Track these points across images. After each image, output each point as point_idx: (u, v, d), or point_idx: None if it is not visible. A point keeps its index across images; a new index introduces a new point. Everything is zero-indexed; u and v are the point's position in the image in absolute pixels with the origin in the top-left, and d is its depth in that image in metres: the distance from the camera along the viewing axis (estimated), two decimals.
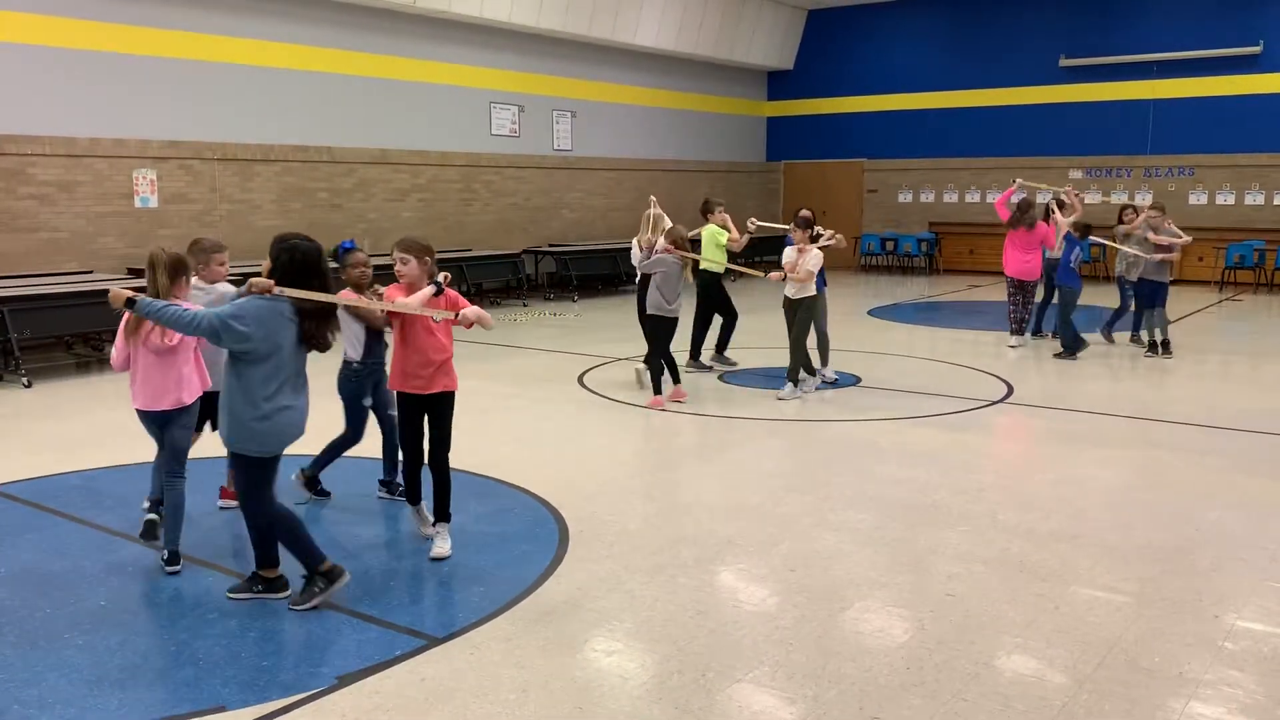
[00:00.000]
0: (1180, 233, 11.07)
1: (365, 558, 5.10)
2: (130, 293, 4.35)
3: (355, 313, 5.50)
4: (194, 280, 5.19)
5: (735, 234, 9.91)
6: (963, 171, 20.83)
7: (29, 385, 9.46)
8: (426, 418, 5.13)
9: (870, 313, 14.81)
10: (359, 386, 5.77)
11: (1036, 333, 12.03)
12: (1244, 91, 17.88)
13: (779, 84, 22.77)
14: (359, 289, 5.59)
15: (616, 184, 19.21)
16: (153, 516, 5.21)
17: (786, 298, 8.72)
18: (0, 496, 6.14)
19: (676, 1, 18.69)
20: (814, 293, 8.66)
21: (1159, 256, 10.78)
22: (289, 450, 4.55)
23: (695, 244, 9.27)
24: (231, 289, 5.33)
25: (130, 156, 12.24)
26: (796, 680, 3.84)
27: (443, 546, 5.10)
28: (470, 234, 16.36)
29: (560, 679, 3.84)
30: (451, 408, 5.16)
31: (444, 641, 4.15)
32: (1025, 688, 3.78)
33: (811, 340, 8.97)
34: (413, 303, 4.95)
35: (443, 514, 5.16)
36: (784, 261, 8.66)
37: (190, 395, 4.95)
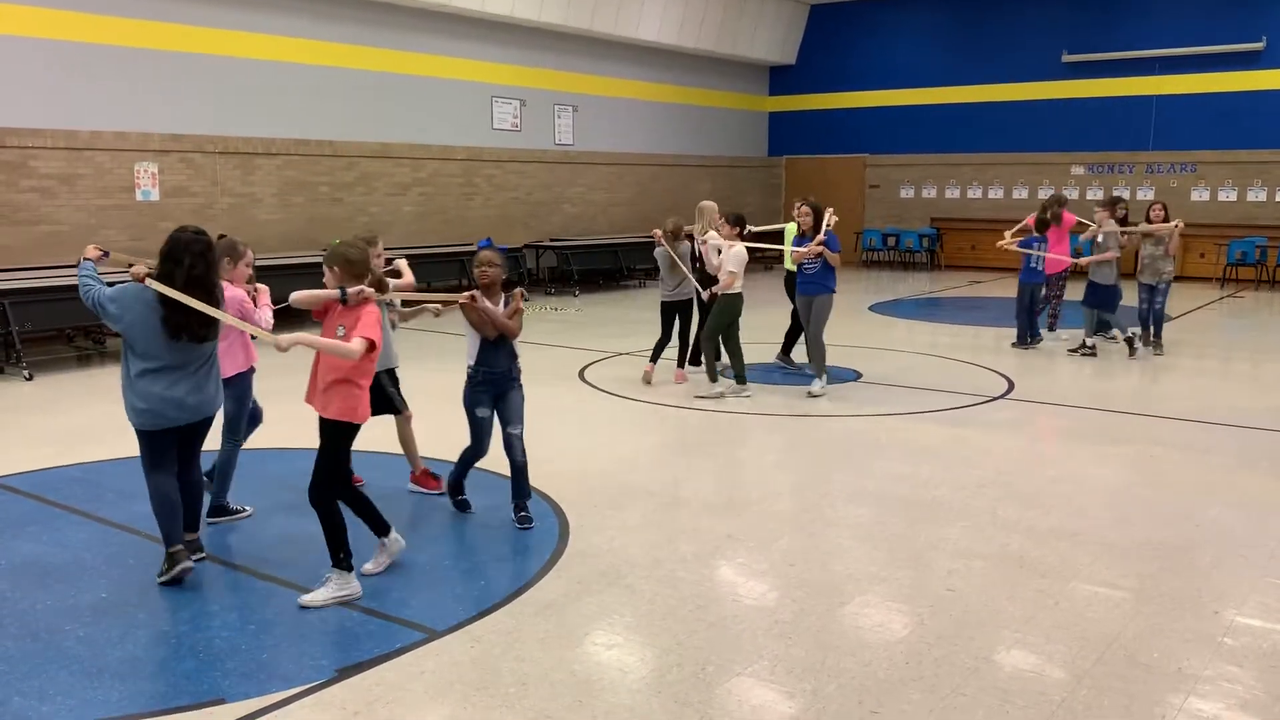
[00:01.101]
0: (1119, 229, 10.72)
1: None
2: (95, 252, 4.79)
3: (466, 318, 5.28)
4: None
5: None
6: (965, 167, 20.81)
7: (30, 378, 9.47)
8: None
9: (871, 308, 14.81)
10: (471, 395, 5.44)
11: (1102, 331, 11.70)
12: (1246, 88, 17.85)
13: (781, 79, 22.74)
14: (486, 289, 5.30)
15: (618, 179, 19.19)
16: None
17: (712, 294, 8.54)
18: (1, 489, 6.15)
19: None
20: (737, 291, 8.43)
21: (1097, 258, 10.61)
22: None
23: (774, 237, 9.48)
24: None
25: (131, 150, 12.24)
26: (796, 674, 3.84)
27: (314, 595, 4.45)
28: (471, 228, 16.34)
29: (560, 672, 3.85)
30: (336, 441, 4.55)
31: (444, 634, 4.16)
32: (1024, 683, 3.78)
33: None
34: (309, 297, 4.64)
35: (332, 555, 4.55)
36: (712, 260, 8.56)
37: (229, 369, 5.31)
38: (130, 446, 6.83)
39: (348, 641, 4.12)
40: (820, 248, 8.49)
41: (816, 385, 8.74)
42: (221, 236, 5.62)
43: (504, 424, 5.45)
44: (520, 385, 5.48)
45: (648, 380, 9.15)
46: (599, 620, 4.32)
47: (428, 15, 15.31)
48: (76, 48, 11.63)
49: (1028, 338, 11.10)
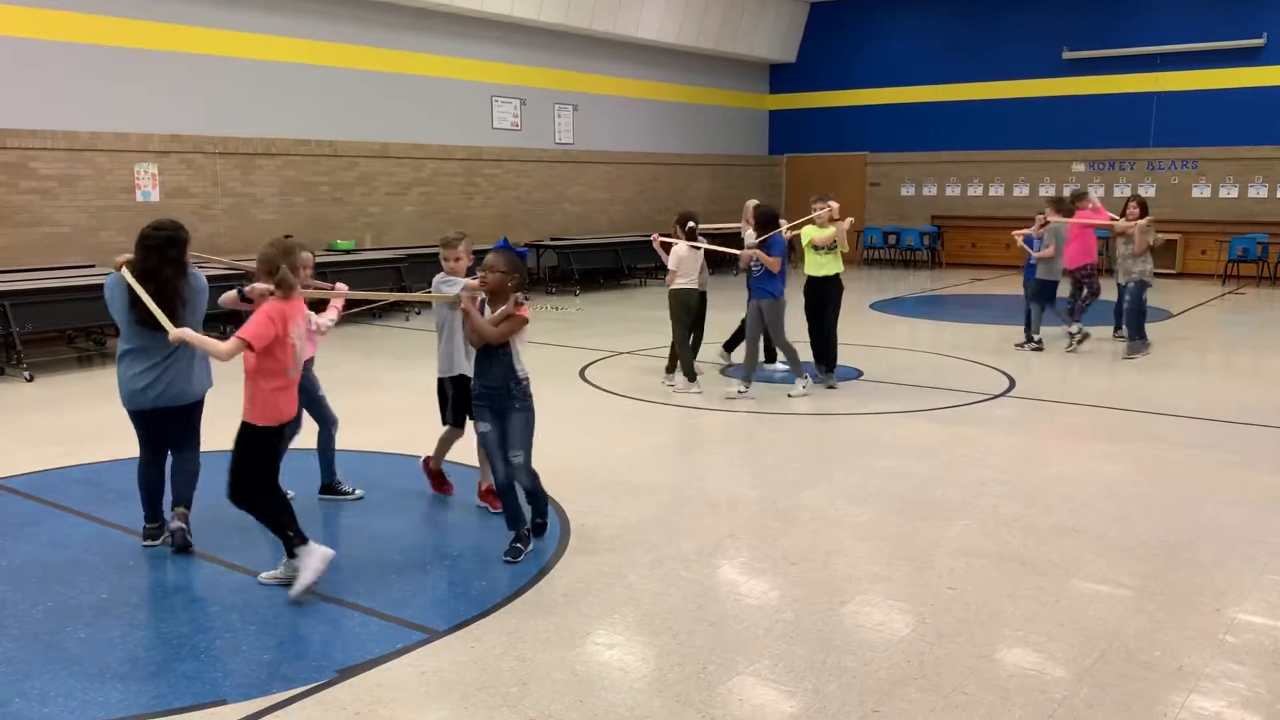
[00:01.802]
0: (1062, 219, 10.80)
1: (366, 551, 5.11)
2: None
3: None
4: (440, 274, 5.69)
5: (832, 233, 8.88)
6: (965, 165, 20.79)
7: (31, 379, 9.47)
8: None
9: (872, 306, 14.80)
10: (474, 408, 5.04)
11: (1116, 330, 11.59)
12: (1247, 84, 17.83)
13: (781, 77, 22.73)
14: (491, 296, 4.88)
15: (618, 178, 19.19)
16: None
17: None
18: (2, 490, 6.15)
19: None
20: (679, 287, 8.72)
21: (1038, 254, 10.71)
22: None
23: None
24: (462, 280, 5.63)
25: (131, 150, 12.25)
26: (797, 673, 3.84)
27: (296, 586, 4.51)
28: (472, 228, 16.30)
29: (561, 671, 3.85)
30: (241, 443, 4.53)
31: (445, 634, 4.16)
32: (1025, 681, 3.78)
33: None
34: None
35: (285, 546, 4.60)
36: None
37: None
38: (130, 446, 6.85)
39: (349, 642, 4.12)
40: (754, 251, 8.38)
41: (798, 386, 8.64)
42: (287, 237, 5.74)
43: (503, 447, 4.95)
44: (524, 407, 4.94)
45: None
46: (600, 620, 4.32)
47: (427, 15, 15.31)
48: (76, 48, 11.63)
49: (1029, 335, 11.11)
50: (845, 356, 9.92)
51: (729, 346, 10.05)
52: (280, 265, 4.46)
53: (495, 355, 4.84)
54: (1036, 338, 10.91)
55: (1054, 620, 4.29)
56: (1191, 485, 6.21)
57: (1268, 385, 9.43)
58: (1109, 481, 6.30)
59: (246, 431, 4.53)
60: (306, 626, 4.28)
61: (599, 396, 8.79)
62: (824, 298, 9.04)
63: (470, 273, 5.74)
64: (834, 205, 8.99)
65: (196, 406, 5.14)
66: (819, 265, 8.98)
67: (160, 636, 4.20)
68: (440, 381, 5.81)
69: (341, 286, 5.80)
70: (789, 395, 8.60)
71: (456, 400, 5.71)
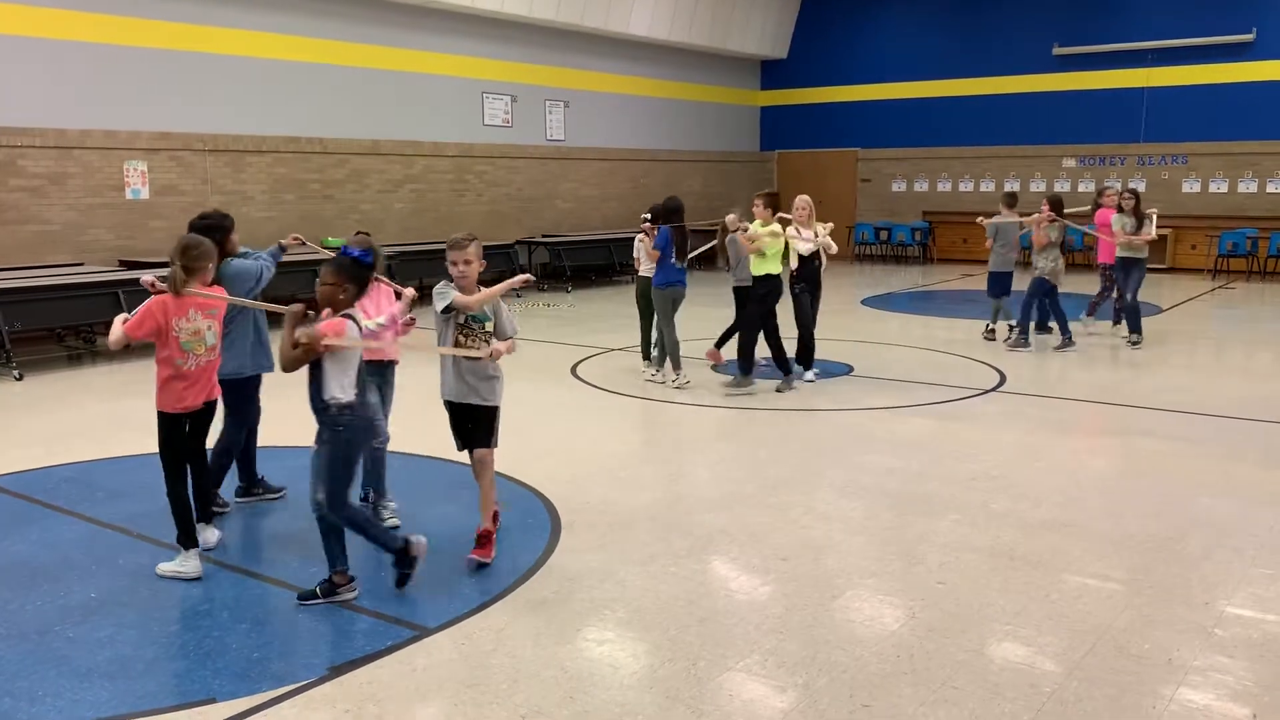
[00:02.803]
0: (1018, 219, 11.00)
1: (357, 549, 5.08)
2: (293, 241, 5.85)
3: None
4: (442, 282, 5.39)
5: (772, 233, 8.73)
6: (956, 160, 20.81)
7: (20, 378, 9.43)
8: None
9: (864, 302, 14.82)
10: None
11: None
12: (1237, 79, 17.87)
13: (773, 73, 22.72)
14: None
15: (610, 174, 19.17)
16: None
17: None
18: None
19: None
20: (642, 274, 9.19)
21: (987, 245, 11.13)
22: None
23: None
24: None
25: (121, 148, 12.19)
26: (787, 668, 3.84)
27: (163, 565, 4.81)
28: (463, 225, 16.29)
29: (551, 668, 3.85)
30: (159, 424, 4.82)
31: (436, 632, 4.16)
32: (1015, 675, 3.79)
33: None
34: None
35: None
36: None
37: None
38: (119, 444, 6.86)
39: (339, 640, 4.12)
40: (642, 238, 8.94)
41: (671, 377, 8.89)
42: (360, 234, 5.49)
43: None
44: (330, 438, 4.35)
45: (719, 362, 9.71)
46: (590, 616, 4.32)
47: (418, 11, 15.26)
48: (65, 46, 11.57)
49: (1030, 329, 11.06)
50: (837, 352, 9.95)
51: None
52: (174, 261, 4.68)
53: (312, 373, 4.33)
54: (1017, 330, 10.88)
55: (1044, 614, 4.30)
56: (1181, 479, 6.23)
57: (1257, 379, 9.47)
58: (1099, 476, 6.32)
59: (158, 416, 4.80)
60: (296, 624, 4.28)
61: (591, 393, 8.78)
62: (749, 295, 8.81)
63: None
64: (733, 215, 8.97)
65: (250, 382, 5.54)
66: (752, 264, 8.76)
67: (149, 635, 4.19)
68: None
69: (409, 292, 5.25)
70: (648, 377, 9.07)
71: (450, 423, 5.19)
